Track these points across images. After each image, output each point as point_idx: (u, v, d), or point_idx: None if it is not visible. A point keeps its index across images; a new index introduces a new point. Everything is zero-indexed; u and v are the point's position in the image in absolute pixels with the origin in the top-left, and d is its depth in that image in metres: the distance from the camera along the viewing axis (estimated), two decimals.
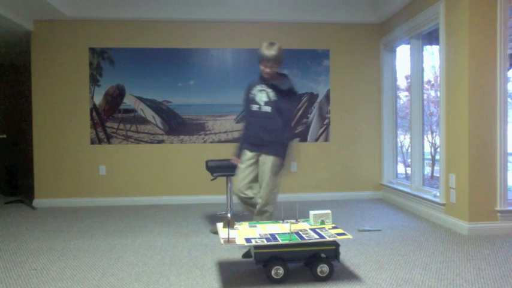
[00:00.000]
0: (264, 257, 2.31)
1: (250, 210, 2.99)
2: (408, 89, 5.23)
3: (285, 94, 2.88)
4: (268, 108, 2.86)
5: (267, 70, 2.82)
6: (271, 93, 2.88)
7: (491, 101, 3.29)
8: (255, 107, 2.90)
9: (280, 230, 2.47)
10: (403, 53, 4.96)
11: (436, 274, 2.41)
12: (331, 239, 2.31)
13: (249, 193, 2.90)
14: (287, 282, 2.30)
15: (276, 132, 2.84)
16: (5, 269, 2.58)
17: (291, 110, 3.02)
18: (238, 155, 3.03)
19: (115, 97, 4.85)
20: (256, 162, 2.91)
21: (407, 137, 5.56)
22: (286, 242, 2.27)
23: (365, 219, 3.90)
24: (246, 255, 2.75)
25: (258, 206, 2.86)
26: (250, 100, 2.94)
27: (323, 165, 5.05)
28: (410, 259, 2.70)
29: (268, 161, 2.83)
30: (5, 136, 5.66)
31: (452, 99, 3.52)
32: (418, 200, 4.12)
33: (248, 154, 2.94)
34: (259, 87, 2.92)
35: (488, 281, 2.30)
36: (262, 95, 2.88)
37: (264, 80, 2.90)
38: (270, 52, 2.77)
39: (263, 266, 2.35)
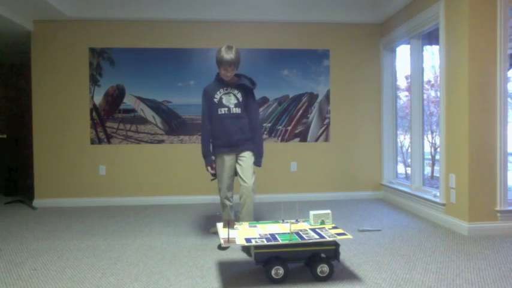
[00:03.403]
0: (264, 257, 2.31)
1: (228, 212, 3.07)
2: (408, 89, 5.23)
3: (251, 91, 3.02)
4: (238, 110, 2.96)
5: (229, 74, 2.89)
6: (239, 95, 2.98)
7: (491, 101, 3.29)
8: (223, 110, 2.94)
9: (280, 230, 2.47)
10: (403, 53, 4.97)
11: (436, 274, 2.41)
12: (331, 239, 2.31)
13: (230, 195, 3.06)
14: (287, 282, 2.30)
15: (248, 131, 2.99)
16: (5, 269, 2.58)
17: (257, 109, 3.12)
18: (212, 162, 3.03)
19: (115, 97, 4.85)
20: (234, 162, 3.00)
21: (407, 137, 5.56)
22: (286, 242, 2.27)
23: (365, 219, 3.90)
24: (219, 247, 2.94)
25: (247, 195, 2.93)
26: (215, 105, 2.95)
27: (323, 165, 5.06)
28: (410, 259, 2.70)
29: (249, 155, 2.99)
30: (5, 136, 5.66)
31: (452, 99, 3.52)
32: (418, 200, 4.12)
33: (226, 159, 2.96)
34: (222, 91, 2.98)
35: (488, 281, 2.30)
36: (230, 98, 2.96)
37: (227, 84, 2.98)
38: (230, 55, 2.82)
39: (263, 266, 2.35)
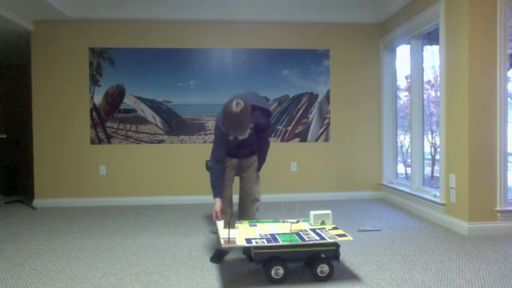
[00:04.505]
0: (264, 257, 2.31)
1: (226, 217, 2.88)
2: (408, 89, 5.23)
3: (267, 125, 2.75)
4: (249, 134, 2.66)
5: (240, 137, 2.57)
6: (255, 128, 2.69)
7: (491, 101, 3.29)
8: (233, 139, 2.64)
9: (280, 230, 2.47)
10: (403, 53, 4.97)
11: (436, 274, 2.42)
12: (331, 240, 2.30)
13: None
14: (287, 282, 2.30)
15: (254, 145, 2.83)
16: (5, 269, 2.58)
17: (268, 142, 2.94)
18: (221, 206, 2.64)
19: (115, 97, 4.85)
20: (237, 165, 2.88)
21: (407, 137, 5.56)
22: (287, 243, 2.27)
23: (365, 219, 3.90)
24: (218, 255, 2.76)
25: (252, 197, 2.88)
26: (230, 140, 2.65)
27: (323, 165, 5.05)
28: (410, 259, 2.70)
29: (254, 160, 2.91)
30: (5, 136, 5.66)
31: (452, 99, 3.52)
32: (418, 200, 4.12)
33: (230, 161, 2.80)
34: None
35: (488, 281, 2.30)
36: (246, 133, 2.64)
37: None
38: (235, 124, 2.39)
39: (263, 266, 2.35)
